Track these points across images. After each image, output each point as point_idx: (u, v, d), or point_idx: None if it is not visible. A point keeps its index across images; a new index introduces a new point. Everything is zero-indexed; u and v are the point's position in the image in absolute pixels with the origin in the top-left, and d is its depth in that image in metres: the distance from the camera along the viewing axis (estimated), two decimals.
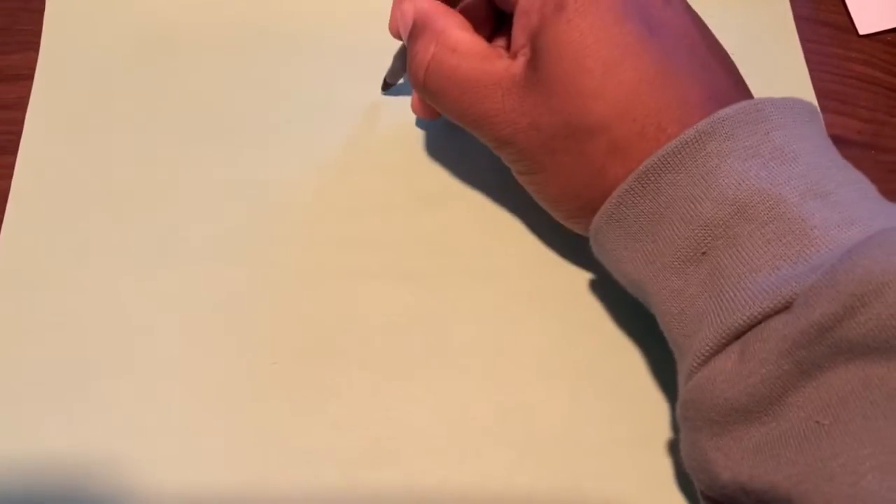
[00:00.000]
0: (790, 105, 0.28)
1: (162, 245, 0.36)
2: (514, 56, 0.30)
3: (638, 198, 0.28)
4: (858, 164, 0.37)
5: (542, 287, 0.36)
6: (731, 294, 0.25)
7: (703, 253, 0.26)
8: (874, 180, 0.28)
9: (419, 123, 0.40)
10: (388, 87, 0.40)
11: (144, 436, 0.33)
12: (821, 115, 0.29)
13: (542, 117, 0.29)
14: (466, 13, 0.33)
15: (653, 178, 0.27)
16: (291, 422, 0.33)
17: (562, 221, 0.33)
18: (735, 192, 0.26)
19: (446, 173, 0.38)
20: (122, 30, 0.42)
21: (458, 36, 0.31)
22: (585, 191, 0.30)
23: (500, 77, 0.30)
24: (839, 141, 0.38)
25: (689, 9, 0.30)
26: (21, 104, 0.40)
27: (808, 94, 0.40)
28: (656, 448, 0.32)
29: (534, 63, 0.29)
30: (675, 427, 0.32)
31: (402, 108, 0.39)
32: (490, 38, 0.34)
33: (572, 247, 0.36)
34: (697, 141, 0.27)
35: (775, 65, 0.41)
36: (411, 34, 0.33)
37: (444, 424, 0.33)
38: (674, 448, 0.32)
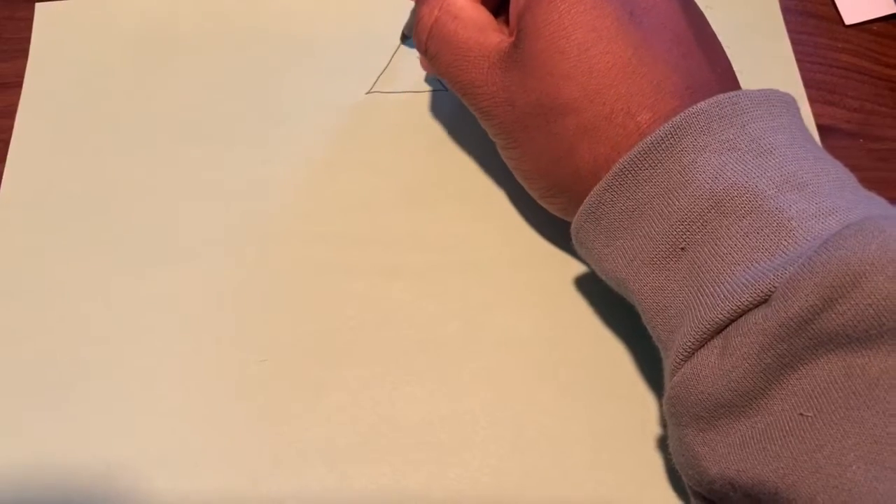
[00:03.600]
0: (767, 96, 0.28)
1: (151, 246, 0.37)
2: (509, 33, 0.31)
3: (616, 195, 0.28)
4: (847, 153, 0.37)
5: (531, 282, 0.36)
6: (711, 289, 0.25)
7: (682, 248, 0.26)
8: (863, 169, 0.28)
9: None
10: (405, 38, 0.40)
11: (134, 434, 0.33)
12: (797, 105, 0.29)
13: (518, 94, 0.30)
14: None
15: (630, 175, 0.27)
16: (282, 418, 0.33)
17: (538, 200, 0.33)
18: (712, 187, 0.26)
19: (434, 170, 0.38)
20: (109, 37, 0.42)
21: (461, 3, 0.32)
22: (554, 169, 0.30)
23: (489, 50, 0.31)
24: (828, 130, 0.39)
25: None
26: (10, 112, 0.40)
27: (796, 84, 0.40)
28: (646, 443, 0.32)
29: (517, 41, 0.30)
30: (663, 421, 0.33)
31: (390, 106, 0.40)
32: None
33: (561, 242, 0.36)
34: (673, 136, 0.27)
35: (763, 56, 0.41)
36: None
37: (434, 419, 0.33)
38: (664, 443, 0.32)
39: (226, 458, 0.33)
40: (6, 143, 0.39)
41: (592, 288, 0.35)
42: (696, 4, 0.31)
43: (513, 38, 0.30)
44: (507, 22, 0.34)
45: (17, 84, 0.41)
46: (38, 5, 0.43)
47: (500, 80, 0.30)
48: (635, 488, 0.32)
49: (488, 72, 0.31)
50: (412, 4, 0.37)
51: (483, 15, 0.32)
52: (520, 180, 0.33)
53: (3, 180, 0.38)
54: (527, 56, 0.29)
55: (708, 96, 0.27)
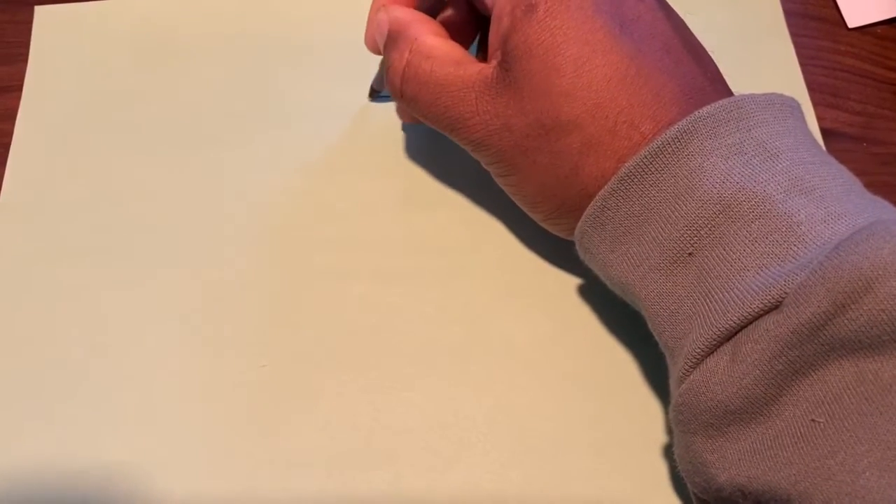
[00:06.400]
0: (771, 101, 0.28)
1: (150, 250, 0.37)
2: (488, 61, 0.31)
3: (622, 200, 0.28)
4: (850, 157, 0.37)
5: (531, 287, 0.36)
6: (720, 295, 0.25)
7: (690, 254, 0.26)
8: (866, 172, 0.28)
9: (405, 127, 0.40)
10: (375, 93, 0.40)
11: (133, 438, 0.33)
12: (801, 109, 0.29)
13: (514, 118, 0.29)
14: (445, 23, 0.33)
15: (636, 180, 0.27)
16: (281, 423, 0.33)
17: (542, 224, 0.33)
18: (719, 191, 0.26)
19: (434, 175, 0.38)
20: (109, 40, 0.42)
21: (431, 42, 0.32)
22: (560, 190, 0.30)
23: (473, 80, 0.30)
24: (831, 134, 0.39)
25: (663, 6, 0.30)
26: (10, 115, 0.40)
27: (799, 88, 0.40)
28: (649, 450, 0.32)
29: (505, 65, 0.29)
30: (667, 428, 0.32)
31: (389, 110, 0.39)
32: (469, 47, 0.35)
33: (560, 247, 0.36)
34: (679, 140, 0.26)
35: (766, 60, 0.41)
36: (387, 44, 0.33)
37: (434, 425, 0.33)
38: (665, 449, 0.32)
39: (224, 463, 0.32)
40: (6, 146, 0.39)
41: (595, 292, 0.35)
42: (675, 12, 0.31)
43: (496, 63, 0.30)
44: (483, 53, 0.34)
45: (17, 88, 0.41)
46: (37, 8, 0.42)
47: (492, 108, 0.30)
48: (638, 496, 0.32)
49: (476, 102, 0.30)
50: (379, 58, 0.37)
51: (456, 50, 0.32)
52: (522, 206, 0.33)
53: (3, 184, 0.38)
54: (520, 77, 0.29)
55: (704, 101, 0.27)
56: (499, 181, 0.33)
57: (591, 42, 0.28)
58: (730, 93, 0.30)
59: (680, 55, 0.29)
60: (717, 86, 0.29)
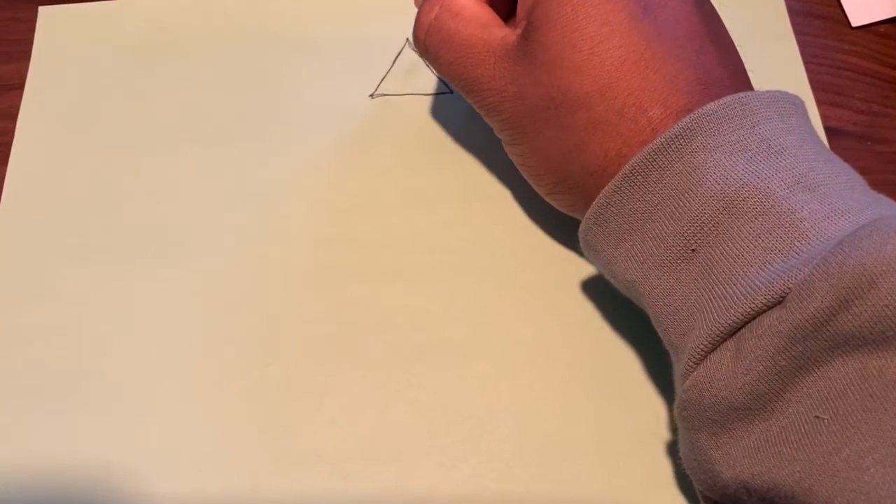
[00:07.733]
0: (775, 98, 0.28)
1: (154, 249, 0.37)
2: (515, 28, 0.31)
3: (625, 197, 0.28)
4: (855, 156, 0.37)
5: (535, 285, 0.35)
6: (723, 291, 0.25)
7: (693, 250, 0.26)
8: (870, 171, 0.28)
9: (407, 125, 0.40)
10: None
11: (137, 436, 0.33)
12: (806, 107, 0.29)
13: (527, 88, 0.30)
14: None
15: (640, 178, 0.27)
16: (286, 422, 0.33)
17: (544, 197, 0.33)
18: (723, 188, 0.26)
19: (439, 172, 0.38)
20: (112, 39, 0.42)
21: (462, 2, 0.32)
22: (563, 165, 0.30)
23: (495, 45, 0.31)
24: (835, 133, 0.39)
25: None
26: (11, 114, 0.40)
27: (803, 87, 0.40)
28: (654, 447, 0.32)
29: (526, 34, 0.30)
30: (672, 426, 0.32)
31: (396, 108, 0.39)
32: (506, 18, 0.35)
33: (567, 244, 0.36)
34: (682, 137, 0.26)
35: (770, 58, 0.41)
36: None
37: (439, 423, 0.33)
38: (670, 447, 0.32)
39: (229, 461, 0.32)
40: (8, 145, 0.39)
41: (599, 290, 0.35)
42: (710, 2, 0.31)
43: (521, 31, 0.30)
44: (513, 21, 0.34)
45: (19, 86, 0.41)
46: (40, 8, 0.43)
47: (509, 74, 0.30)
48: (643, 493, 0.32)
49: (495, 66, 0.31)
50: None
51: (486, 12, 0.32)
52: (526, 177, 0.33)
53: (5, 182, 0.38)
54: (537, 49, 0.29)
55: (720, 94, 0.27)
56: (507, 149, 0.33)
57: (611, 23, 0.28)
58: (749, 88, 0.30)
59: (702, 44, 0.29)
60: (736, 80, 0.29)
